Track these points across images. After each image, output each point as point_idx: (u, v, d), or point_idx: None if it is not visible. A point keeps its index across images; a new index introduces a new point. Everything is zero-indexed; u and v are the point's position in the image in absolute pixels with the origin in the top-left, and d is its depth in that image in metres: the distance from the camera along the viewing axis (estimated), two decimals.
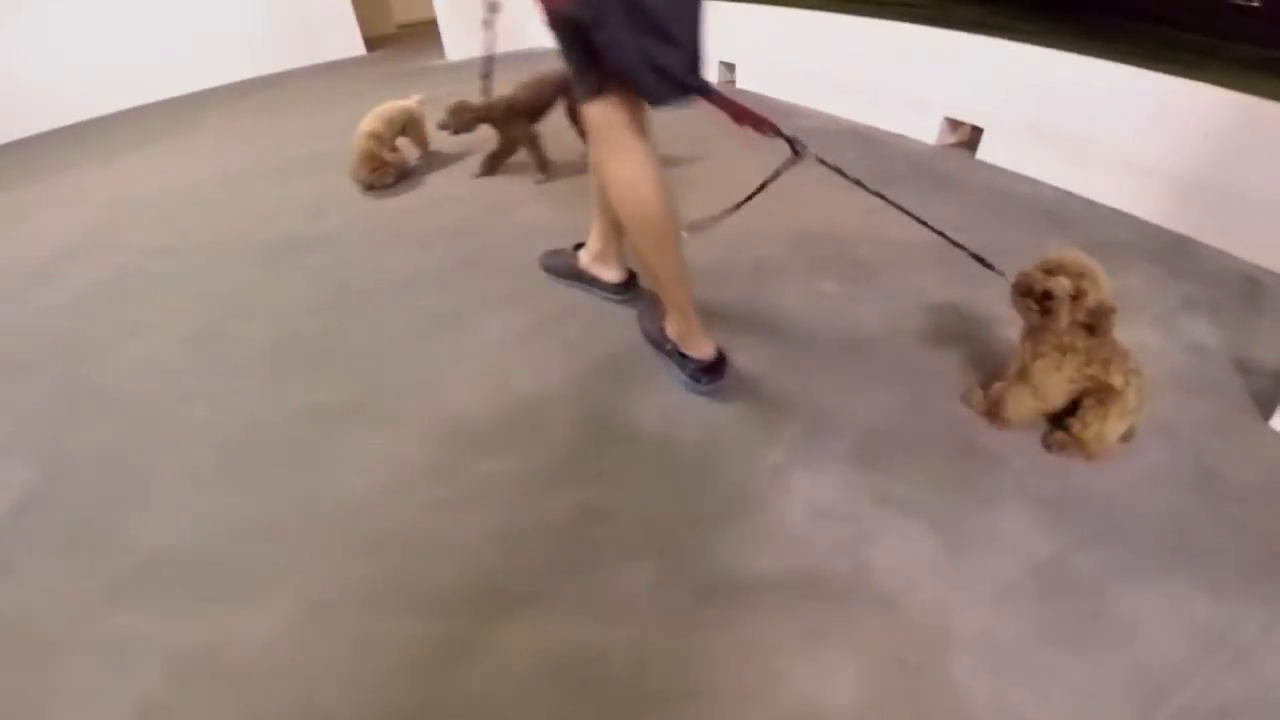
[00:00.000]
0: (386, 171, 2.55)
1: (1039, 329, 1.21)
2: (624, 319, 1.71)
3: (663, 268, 1.34)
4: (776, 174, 1.33)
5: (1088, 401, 1.22)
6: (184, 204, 2.65)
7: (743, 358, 1.52)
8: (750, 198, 1.43)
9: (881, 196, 1.37)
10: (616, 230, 1.65)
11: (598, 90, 1.17)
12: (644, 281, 1.76)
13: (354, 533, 1.20)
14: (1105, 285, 1.14)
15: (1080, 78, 2.20)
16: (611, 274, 1.76)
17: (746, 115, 1.25)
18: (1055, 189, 2.30)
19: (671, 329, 1.47)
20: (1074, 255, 1.17)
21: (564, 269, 1.86)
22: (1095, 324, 1.15)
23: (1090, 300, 1.13)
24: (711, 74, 3.60)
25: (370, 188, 2.53)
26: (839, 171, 1.37)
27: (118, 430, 1.47)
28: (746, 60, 3.45)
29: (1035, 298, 1.16)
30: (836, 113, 3.02)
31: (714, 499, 1.21)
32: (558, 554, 1.13)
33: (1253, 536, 1.11)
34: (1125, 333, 1.54)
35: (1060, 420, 1.27)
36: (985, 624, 0.99)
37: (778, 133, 1.27)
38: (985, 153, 2.51)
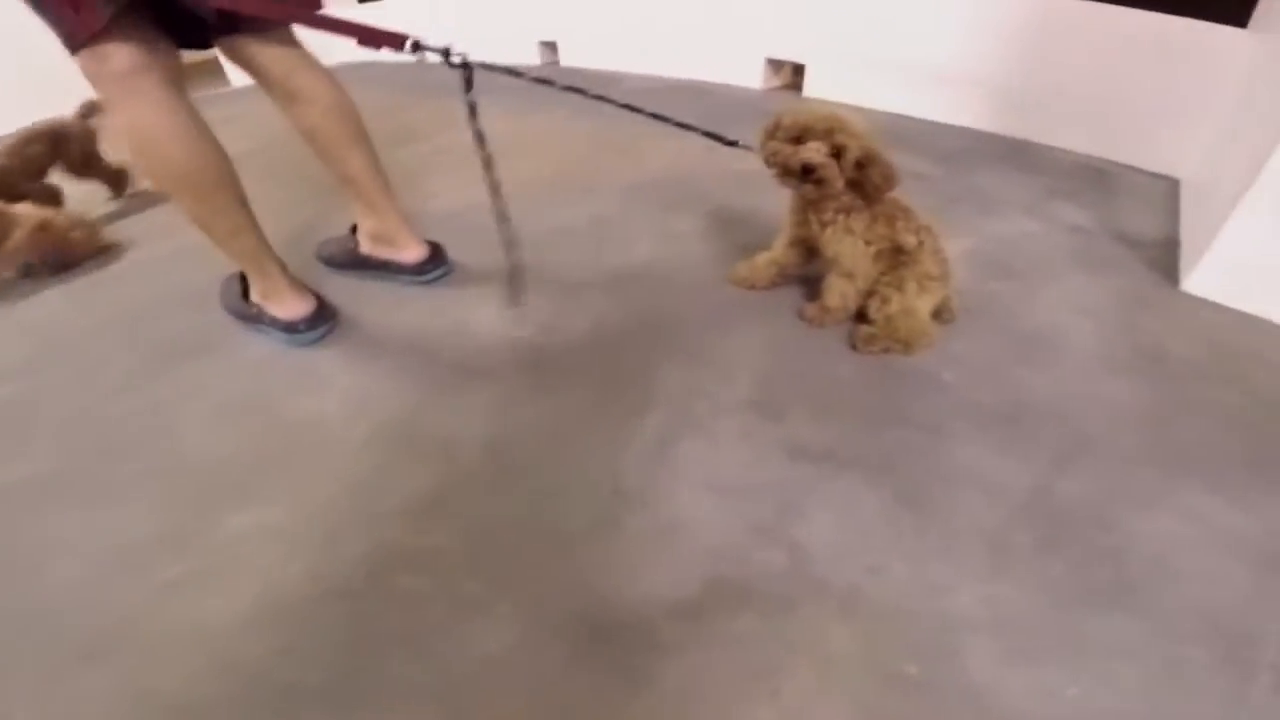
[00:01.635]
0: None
1: (814, 200, 1.06)
2: (400, 304, 1.34)
3: (213, 223, 1.11)
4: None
5: (883, 279, 1.08)
6: None
7: (589, 320, 1.20)
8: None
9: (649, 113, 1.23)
10: (389, 197, 1.31)
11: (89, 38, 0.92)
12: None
13: (66, 638, 0.77)
14: (860, 130, 0.99)
15: (892, 1, 2.11)
16: (409, 253, 1.38)
17: (370, 34, 0.95)
18: (887, 114, 2.20)
19: (255, 290, 1.25)
20: (814, 110, 1.01)
21: (344, 257, 1.45)
22: (864, 178, 1.00)
23: (854, 153, 0.98)
24: (533, 56, 3.36)
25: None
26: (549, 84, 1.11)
27: None
28: (567, 37, 3.24)
29: (797, 174, 1.01)
30: (663, 73, 2.86)
31: (576, 506, 0.86)
32: (360, 626, 0.74)
33: (1237, 423, 0.93)
34: (1003, 224, 1.46)
35: (863, 316, 1.12)
36: (986, 596, 0.72)
37: (420, 46, 0.95)
38: (811, 89, 2.40)
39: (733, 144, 1.17)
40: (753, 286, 1.24)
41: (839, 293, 1.10)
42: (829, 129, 0.99)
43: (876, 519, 0.81)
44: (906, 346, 1.06)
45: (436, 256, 1.39)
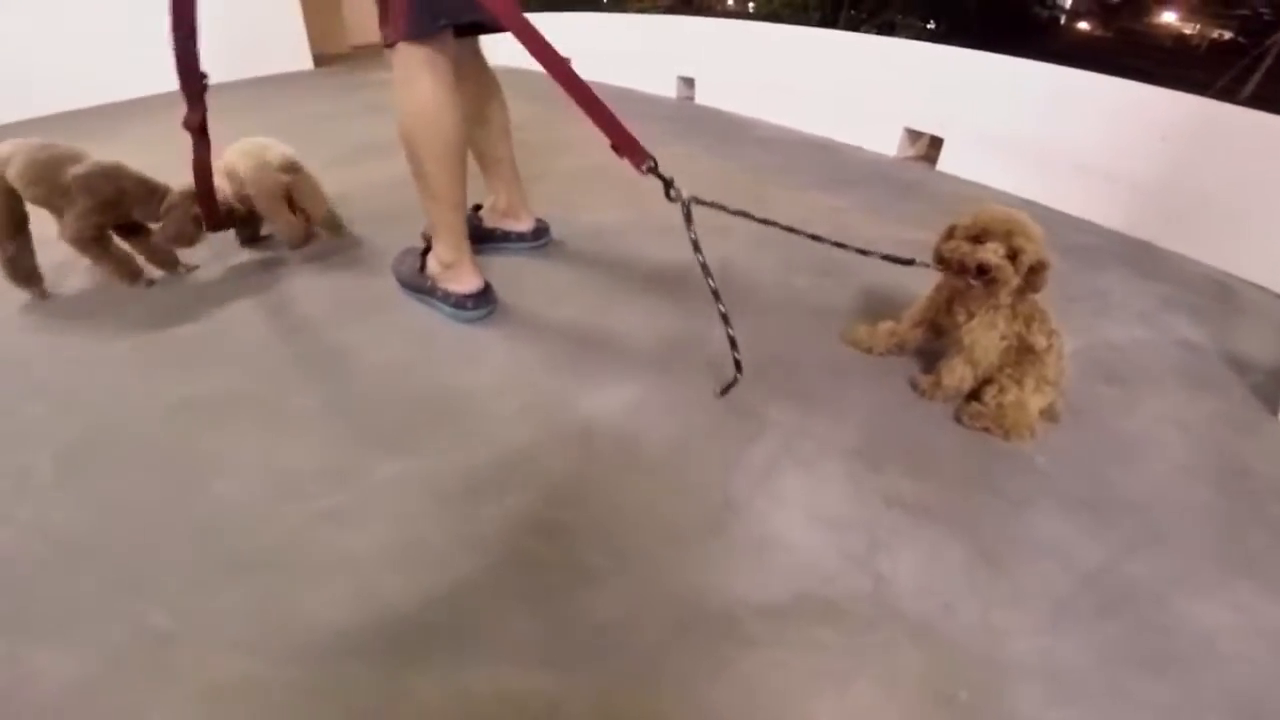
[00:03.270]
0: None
1: (957, 290, 1.16)
2: (556, 301, 1.54)
3: (448, 193, 1.35)
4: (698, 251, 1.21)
5: (1005, 369, 1.15)
6: None
7: (714, 350, 1.34)
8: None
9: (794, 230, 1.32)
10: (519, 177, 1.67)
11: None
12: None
13: (216, 551, 0.94)
14: (1038, 236, 1.07)
15: (1038, 84, 2.18)
16: (525, 224, 1.73)
17: (625, 144, 1.17)
18: (1018, 198, 2.25)
19: (435, 263, 1.45)
20: (995, 212, 1.09)
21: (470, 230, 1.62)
22: (1031, 282, 1.09)
23: (1028, 257, 1.06)
24: (670, 88, 3.56)
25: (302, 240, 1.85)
26: (720, 207, 1.30)
27: None
28: (705, 75, 3.42)
29: (971, 273, 1.09)
30: (795, 125, 2.99)
31: (690, 508, 1.01)
32: (488, 578, 0.90)
33: None
34: (1116, 329, 1.52)
35: (975, 395, 1.20)
36: (1043, 647, 0.82)
37: (653, 171, 1.17)
38: (946, 163, 2.47)
39: (909, 263, 1.27)
40: (867, 350, 1.35)
41: (959, 375, 1.18)
42: (1008, 231, 1.06)
43: (956, 567, 0.92)
44: (1008, 434, 1.14)
45: (543, 229, 1.77)
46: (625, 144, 1.16)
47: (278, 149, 1.71)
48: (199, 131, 1.48)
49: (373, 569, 0.91)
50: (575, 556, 0.92)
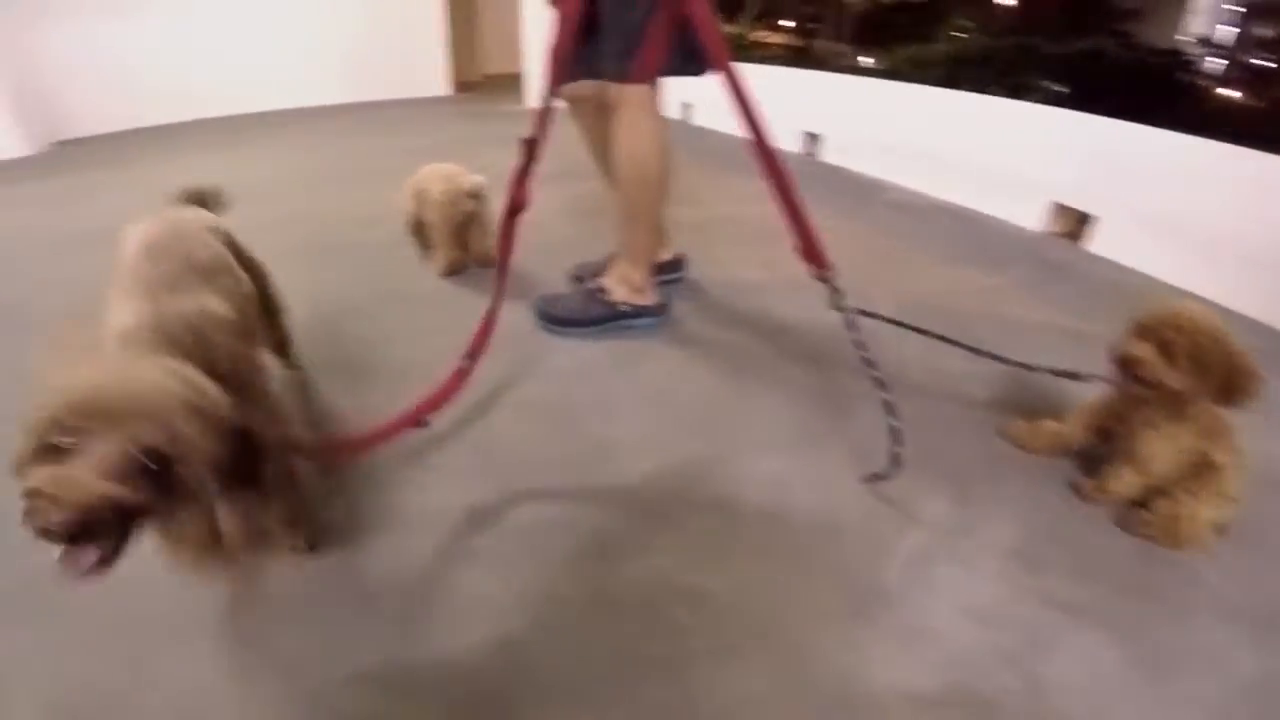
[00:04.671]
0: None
1: (1141, 398, 1.08)
2: (691, 360, 1.54)
3: (658, 218, 1.58)
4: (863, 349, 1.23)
5: (1183, 482, 1.06)
6: (250, 197, 2.60)
7: (865, 424, 1.30)
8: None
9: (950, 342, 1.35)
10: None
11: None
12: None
13: (351, 584, 0.98)
14: (1200, 327, 0.99)
15: (1210, 166, 2.04)
16: (666, 253, 1.84)
17: (808, 248, 1.27)
18: (1179, 289, 2.08)
19: (626, 289, 1.59)
20: (1170, 309, 1.02)
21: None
22: (1227, 388, 0.99)
23: (1183, 350, 0.98)
24: (794, 143, 3.55)
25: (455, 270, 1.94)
26: (896, 322, 1.37)
27: None
28: (832, 132, 3.39)
29: (1120, 366, 1.05)
30: (928, 190, 2.90)
31: (836, 589, 0.98)
32: (625, 641, 0.89)
33: None
34: (1276, 443, 1.37)
35: (1142, 501, 1.12)
36: None
37: (827, 280, 1.25)
38: (1098, 243, 2.32)
39: (1075, 377, 1.22)
40: (1025, 448, 1.28)
41: (1126, 484, 1.11)
42: (1159, 322, 1.01)
43: (1112, 671, 0.87)
44: (1176, 545, 1.06)
45: (681, 259, 1.90)
46: (810, 249, 1.26)
47: (470, 177, 1.83)
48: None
49: (506, 612, 0.92)
50: (716, 627, 0.91)
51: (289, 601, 0.94)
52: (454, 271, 1.90)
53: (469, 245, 1.92)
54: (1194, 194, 2.06)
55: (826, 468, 1.22)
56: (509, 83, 5.34)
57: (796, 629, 0.91)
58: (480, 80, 6.13)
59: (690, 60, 1.33)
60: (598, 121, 1.53)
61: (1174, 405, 1.05)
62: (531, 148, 1.33)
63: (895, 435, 1.15)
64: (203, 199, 1.22)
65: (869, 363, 1.19)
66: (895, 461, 1.15)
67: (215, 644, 0.87)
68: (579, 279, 1.81)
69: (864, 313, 1.26)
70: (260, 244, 2.11)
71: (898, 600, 0.96)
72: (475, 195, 1.81)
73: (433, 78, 5.30)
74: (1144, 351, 1.02)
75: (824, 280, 1.25)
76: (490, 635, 0.89)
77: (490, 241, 1.92)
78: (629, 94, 1.39)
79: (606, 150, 1.53)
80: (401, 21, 4.99)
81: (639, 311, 1.61)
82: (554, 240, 2.16)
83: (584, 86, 1.47)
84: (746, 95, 1.22)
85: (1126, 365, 1.04)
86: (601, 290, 1.61)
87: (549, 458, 1.22)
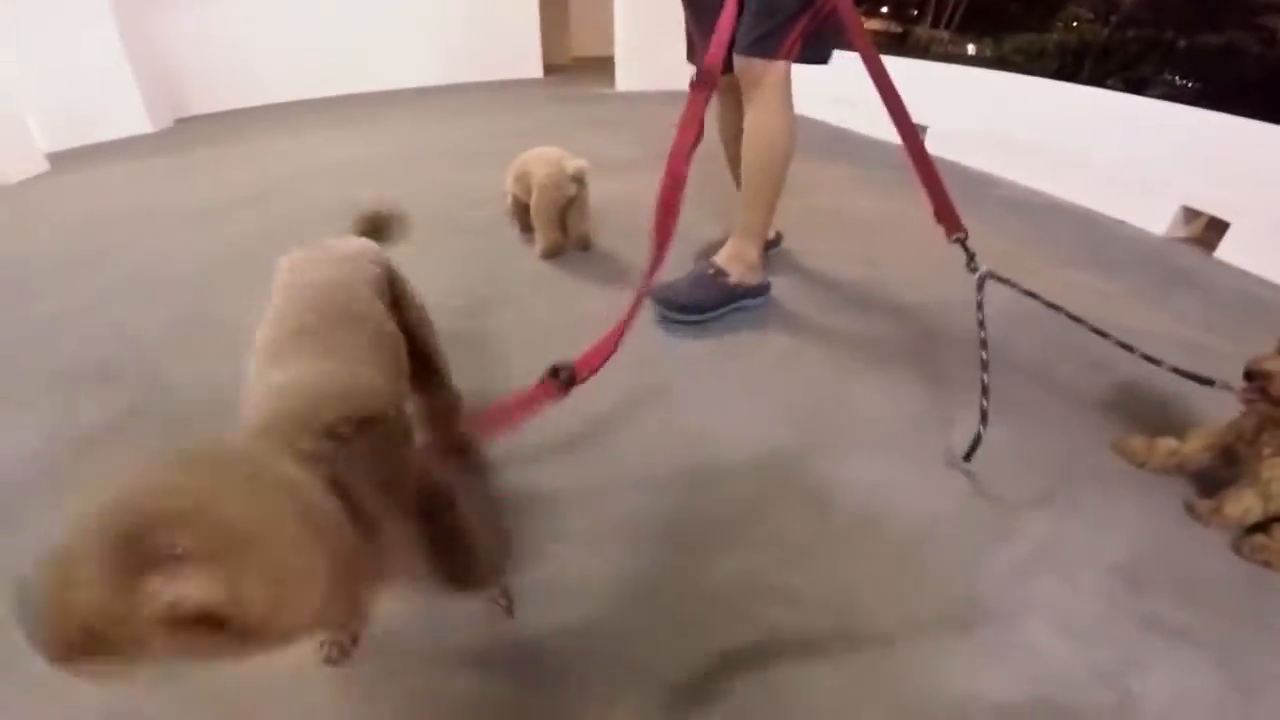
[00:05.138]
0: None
1: (1271, 419, 1.01)
2: (795, 353, 1.52)
3: (777, 199, 1.59)
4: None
5: None
6: (358, 175, 2.74)
7: (970, 426, 1.23)
8: None
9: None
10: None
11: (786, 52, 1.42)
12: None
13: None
14: None
15: None
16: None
17: (945, 212, 1.29)
18: None
19: (741, 269, 1.61)
20: None
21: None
22: None
23: None
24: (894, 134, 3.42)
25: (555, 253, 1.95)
26: (1023, 293, 1.27)
27: (218, 363, 1.35)
28: (940, 124, 3.24)
29: (1251, 380, 0.99)
30: (1042, 188, 2.74)
31: (930, 598, 0.95)
32: (717, 634, 0.89)
33: None
34: None
35: (1260, 526, 1.04)
36: None
37: (961, 242, 1.28)
38: (1227, 251, 2.13)
39: (1208, 383, 1.13)
40: (1140, 465, 1.20)
41: (1245, 508, 1.03)
42: None
43: (1209, 695, 0.82)
44: None
45: (778, 239, 1.96)
46: (945, 211, 1.28)
47: (573, 161, 1.85)
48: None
49: (602, 600, 0.94)
50: (804, 626, 0.90)
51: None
52: (554, 254, 1.94)
53: (568, 228, 1.95)
54: None
55: (928, 472, 1.17)
56: (598, 65, 5.38)
57: (887, 634, 0.89)
58: (569, 63, 6.20)
59: (819, 48, 1.41)
60: (735, 107, 1.59)
61: None
62: (698, 124, 1.22)
63: (984, 416, 1.15)
64: (378, 226, 1.08)
65: (983, 332, 1.18)
66: (977, 442, 1.14)
67: None
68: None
69: (997, 278, 1.24)
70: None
71: (992, 610, 0.92)
72: (578, 179, 1.83)
73: (525, 60, 5.40)
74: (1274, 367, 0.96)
75: (958, 242, 1.27)
76: (573, 617, 0.91)
77: (587, 225, 1.95)
78: (770, 73, 1.44)
79: (737, 135, 1.57)
80: (494, 4, 5.09)
81: (753, 291, 1.65)
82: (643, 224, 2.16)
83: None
84: (885, 71, 1.29)
85: (1266, 380, 0.97)
86: (718, 271, 1.62)
87: (648, 445, 1.23)
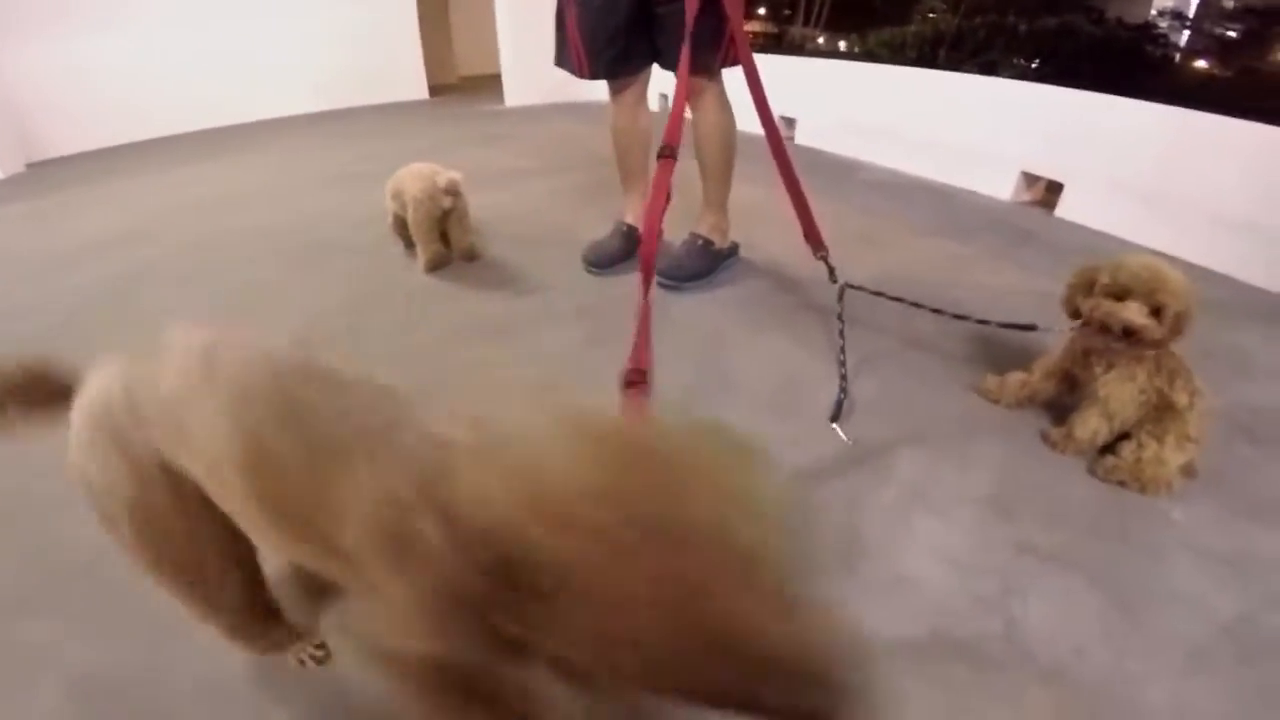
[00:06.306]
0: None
1: (1102, 345, 1.14)
2: (695, 327, 1.59)
3: (731, 177, 1.84)
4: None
5: (1145, 425, 1.12)
6: (233, 207, 2.63)
7: (833, 388, 1.35)
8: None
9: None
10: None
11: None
12: None
13: None
14: (1184, 289, 1.06)
15: (1164, 128, 2.11)
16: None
17: (812, 231, 1.62)
18: (1145, 248, 2.14)
19: (721, 235, 1.88)
20: (1137, 266, 1.08)
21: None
22: (1175, 333, 1.08)
23: (1171, 313, 1.05)
24: None
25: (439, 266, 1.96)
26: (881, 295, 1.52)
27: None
28: (808, 116, 3.44)
29: (1115, 334, 1.08)
30: (903, 168, 2.96)
31: (815, 541, 1.02)
32: None
33: None
34: (1255, 389, 1.43)
35: (1110, 448, 1.17)
36: (1179, 694, 0.80)
37: (825, 260, 1.59)
38: (1065, 209, 2.39)
39: (1030, 328, 1.28)
40: (997, 402, 1.33)
41: (1093, 429, 1.16)
42: (1152, 288, 1.06)
43: (1089, 614, 0.91)
44: (1144, 488, 1.11)
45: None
46: (812, 233, 1.59)
47: (446, 174, 1.86)
48: None
49: None
50: None
51: None
52: (438, 266, 1.94)
53: (450, 240, 1.95)
54: (1160, 159, 2.13)
55: (803, 425, 1.27)
56: (487, 83, 5.36)
57: None
58: (457, 82, 6.15)
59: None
60: (637, 112, 1.84)
61: (1138, 349, 1.10)
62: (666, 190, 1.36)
63: (843, 383, 1.32)
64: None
65: (841, 328, 1.39)
66: (840, 408, 1.28)
67: None
68: (594, 263, 1.93)
69: (850, 285, 1.53)
70: (251, 250, 2.16)
71: (877, 551, 1.00)
72: (451, 191, 1.85)
73: (409, 81, 5.31)
74: (1141, 318, 1.06)
75: (822, 259, 1.58)
76: None
77: (471, 237, 1.96)
78: (712, 84, 1.71)
79: (639, 139, 1.88)
80: (374, 27, 5.00)
81: (731, 251, 1.93)
82: (557, 226, 2.25)
83: (637, 79, 1.79)
84: (763, 89, 1.54)
85: (1125, 332, 1.08)
86: (707, 241, 1.86)
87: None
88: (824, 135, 3.34)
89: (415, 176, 1.85)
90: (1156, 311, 1.06)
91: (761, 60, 1.50)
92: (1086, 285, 1.15)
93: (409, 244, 2.01)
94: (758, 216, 2.08)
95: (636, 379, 0.98)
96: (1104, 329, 1.10)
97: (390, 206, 1.95)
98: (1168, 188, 2.11)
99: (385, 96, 5.13)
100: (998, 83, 2.76)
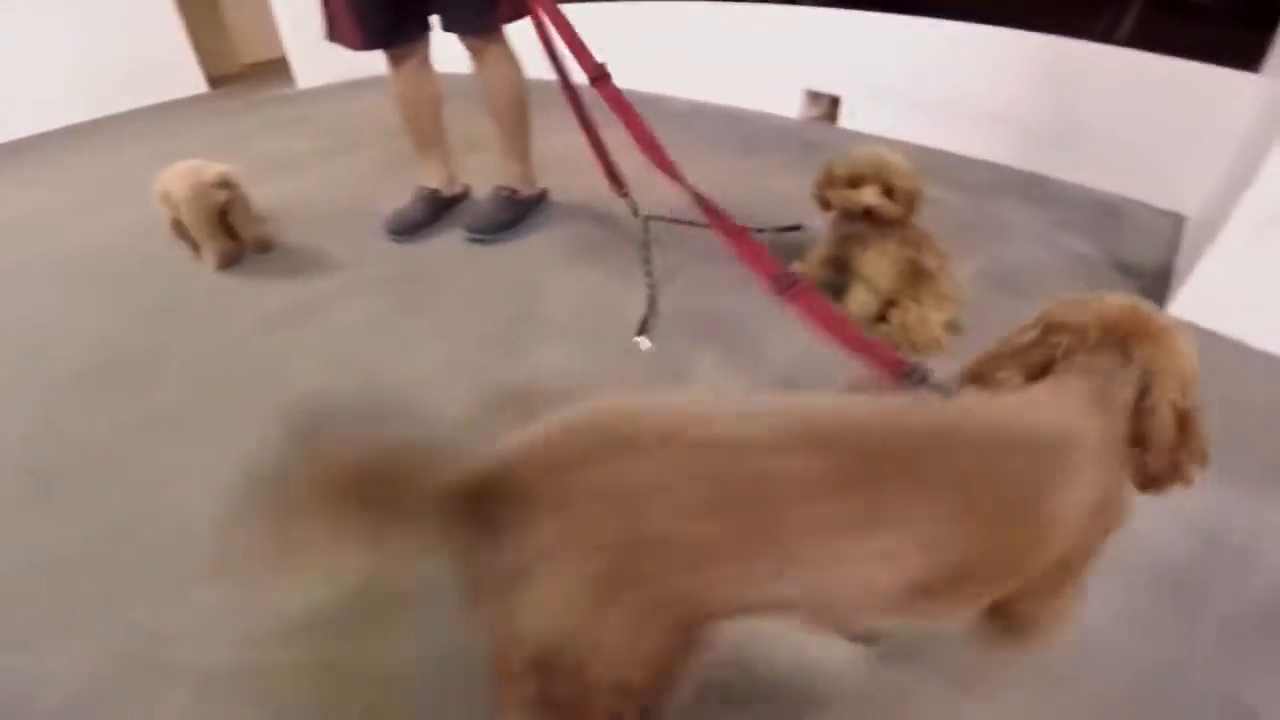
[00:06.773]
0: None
1: (858, 229, 1.26)
2: (501, 265, 1.60)
3: (529, 124, 1.83)
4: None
5: (905, 291, 1.26)
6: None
7: (636, 313, 1.39)
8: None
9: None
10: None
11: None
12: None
13: (186, 557, 0.94)
14: (905, 169, 1.18)
15: (928, 39, 2.30)
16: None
17: (610, 173, 1.62)
18: (916, 145, 2.36)
19: (526, 185, 1.89)
20: (865, 155, 1.20)
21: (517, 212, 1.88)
22: (909, 208, 1.20)
23: (902, 191, 1.18)
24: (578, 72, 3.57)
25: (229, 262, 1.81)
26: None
27: None
28: (615, 60, 3.43)
29: (857, 215, 1.21)
30: (704, 98, 3.06)
31: None
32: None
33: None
34: (1012, 250, 1.62)
35: (883, 318, 1.30)
36: None
37: (625, 196, 1.64)
38: (846, 120, 2.59)
39: (795, 229, 1.43)
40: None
41: (861, 302, 1.27)
42: (879, 172, 1.17)
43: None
44: (916, 348, 1.22)
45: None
46: (611, 175, 1.61)
47: (213, 167, 1.69)
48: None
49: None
50: None
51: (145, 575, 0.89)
52: (228, 263, 1.77)
53: (238, 233, 1.79)
54: (921, 67, 2.33)
55: (613, 345, 1.31)
56: (275, 68, 4.90)
57: None
58: (241, 70, 5.57)
59: (518, 7, 1.50)
60: (422, 78, 1.76)
61: (882, 226, 1.21)
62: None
63: (650, 303, 1.38)
64: None
65: (646, 257, 1.55)
66: (645, 322, 1.34)
67: None
68: (397, 231, 1.85)
69: (651, 217, 1.66)
70: (28, 284, 1.87)
71: None
72: (224, 184, 1.69)
73: (182, 76, 4.73)
74: (874, 197, 1.17)
75: (622, 197, 1.63)
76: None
77: (260, 227, 1.81)
78: (494, 39, 1.65)
79: (427, 106, 1.80)
80: (124, 21, 4.39)
81: (539, 198, 1.94)
82: (357, 204, 2.11)
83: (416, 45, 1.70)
84: (555, 38, 1.47)
85: (866, 212, 1.19)
86: (512, 192, 1.86)
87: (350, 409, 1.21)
88: (630, 76, 3.34)
89: (179, 175, 1.68)
90: (889, 192, 1.17)
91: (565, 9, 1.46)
92: (828, 179, 1.25)
93: (194, 246, 1.82)
94: (571, 163, 2.07)
95: None
96: (848, 214, 1.21)
97: (163, 211, 1.76)
98: (934, 91, 2.32)
99: (158, 95, 4.54)
100: (780, 9, 2.88)
